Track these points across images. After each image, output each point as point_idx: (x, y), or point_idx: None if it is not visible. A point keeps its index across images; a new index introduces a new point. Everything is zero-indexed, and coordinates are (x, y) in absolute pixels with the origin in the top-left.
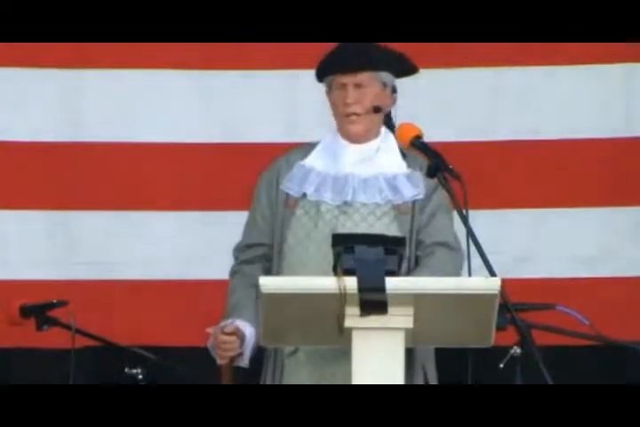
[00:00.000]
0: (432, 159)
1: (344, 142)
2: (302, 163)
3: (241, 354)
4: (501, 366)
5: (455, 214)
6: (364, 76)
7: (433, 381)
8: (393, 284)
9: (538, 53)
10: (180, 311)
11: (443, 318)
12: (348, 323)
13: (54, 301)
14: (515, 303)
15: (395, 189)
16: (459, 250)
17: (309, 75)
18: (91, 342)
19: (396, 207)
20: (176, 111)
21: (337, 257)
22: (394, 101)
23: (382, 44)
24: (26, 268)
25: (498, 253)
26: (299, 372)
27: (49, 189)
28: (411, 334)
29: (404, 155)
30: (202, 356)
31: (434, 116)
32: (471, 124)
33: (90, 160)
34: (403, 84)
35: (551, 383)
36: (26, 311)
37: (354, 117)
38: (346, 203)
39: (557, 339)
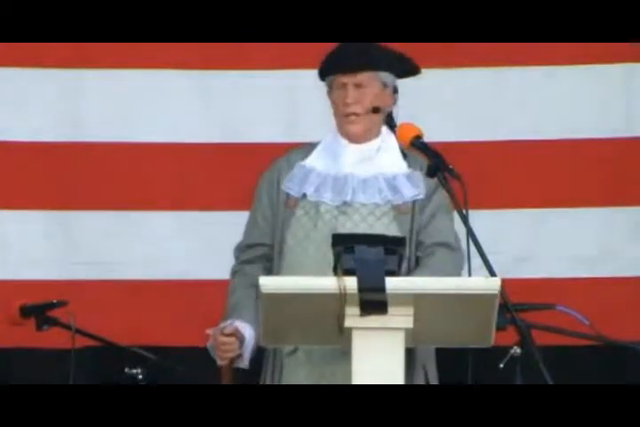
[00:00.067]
0: (432, 159)
1: (344, 142)
2: (303, 163)
3: (240, 355)
4: (501, 366)
5: (455, 214)
6: (364, 77)
7: (434, 381)
8: (393, 284)
9: (538, 53)
10: (180, 311)
11: (443, 318)
12: (347, 323)
13: (54, 301)
14: (515, 303)
15: (394, 189)
16: (459, 250)
17: (309, 75)
18: (91, 342)
19: (395, 207)
20: (176, 111)
21: (337, 257)
22: (395, 102)
23: (383, 44)
24: (26, 268)
25: (498, 253)
26: (298, 371)
27: (49, 189)
28: (411, 334)
29: (404, 155)
30: (202, 356)
31: (434, 116)
32: (471, 124)
33: (90, 160)
34: (403, 84)
35: (551, 383)
36: (26, 311)
37: (353, 117)
38: (345, 203)
39: (557, 339)
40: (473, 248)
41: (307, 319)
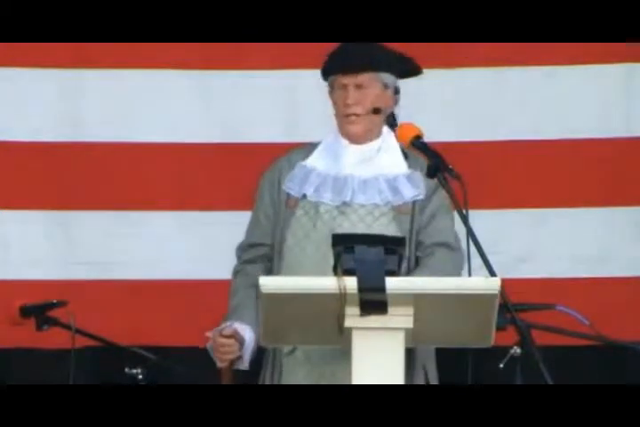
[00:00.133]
0: (432, 159)
1: (345, 143)
2: (303, 163)
3: (240, 357)
4: (501, 366)
5: (455, 214)
6: (365, 77)
7: (434, 381)
8: (393, 284)
9: (538, 53)
10: (180, 311)
11: (443, 318)
12: (347, 323)
13: (54, 301)
14: (515, 303)
15: (394, 189)
16: (459, 250)
17: (309, 75)
18: (91, 342)
19: (395, 208)
20: (176, 111)
21: (337, 257)
22: (396, 102)
23: (384, 44)
24: (26, 268)
25: (498, 253)
26: (296, 371)
27: (49, 189)
28: (411, 334)
29: (405, 155)
30: (202, 356)
31: (434, 116)
32: (471, 124)
33: (90, 160)
34: (403, 83)
35: (551, 383)
36: (26, 311)
37: (353, 118)
38: (345, 204)
39: (557, 339)
40: (473, 248)
41: (307, 319)
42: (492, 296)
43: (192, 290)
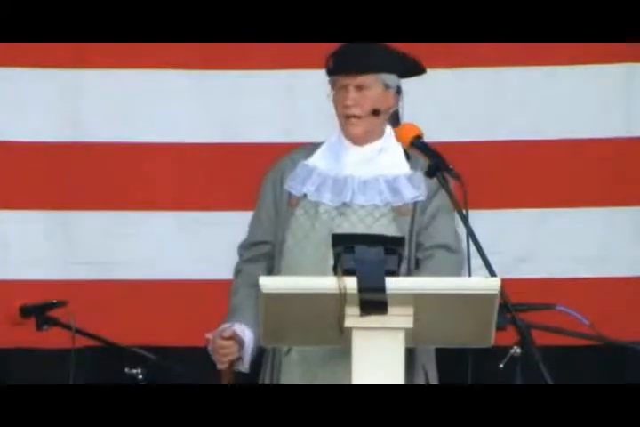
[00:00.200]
0: (432, 159)
1: (347, 143)
2: (305, 162)
3: (240, 358)
4: (501, 366)
5: (455, 214)
6: (365, 78)
7: (434, 381)
8: (393, 284)
9: (538, 53)
10: (180, 311)
11: (443, 318)
12: (348, 323)
13: (54, 301)
14: (515, 303)
15: (395, 190)
16: (459, 252)
17: (309, 75)
18: (91, 342)
19: (395, 209)
20: (176, 111)
21: (337, 257)
22: (398, 102)
23: (385, 44)
24: (26, 268)
25: (498, 253)
26: (293, 371)
27: (49, 189)
28: (411, 334)
29: (407, 156)
30: (202, 356)
31: (434, 116)
32: (471, 124)
33: (90, 160)
34: (403, 83)
35: (551, 383)
36: (26, 311)
37: (353, 120)
38: (344, 204)
39: (557, 339)
40: (473, 248)
41: (307, 319)
42: (492, 296)
43: (192, 290)
